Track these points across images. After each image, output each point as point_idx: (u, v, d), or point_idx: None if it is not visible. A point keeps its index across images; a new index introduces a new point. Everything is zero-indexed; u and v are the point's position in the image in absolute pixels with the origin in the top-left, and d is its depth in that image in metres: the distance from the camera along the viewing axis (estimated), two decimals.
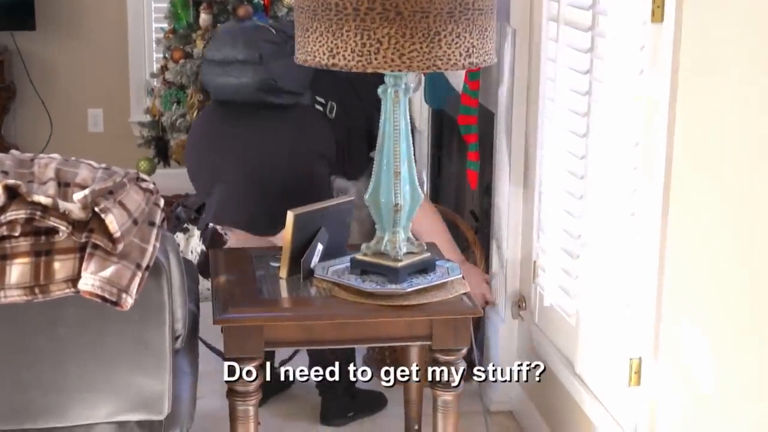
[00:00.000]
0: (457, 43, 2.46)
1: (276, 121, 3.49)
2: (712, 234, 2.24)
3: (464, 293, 2.68)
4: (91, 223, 2.33)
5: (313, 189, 3.42)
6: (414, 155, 2.68)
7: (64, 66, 6.40)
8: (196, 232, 3.75)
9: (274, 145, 3.47)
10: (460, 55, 2.47)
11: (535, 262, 3.31)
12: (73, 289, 2.32)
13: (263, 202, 3.43)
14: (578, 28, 2.88)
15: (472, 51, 2.49)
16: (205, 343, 3.00)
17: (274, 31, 3.51)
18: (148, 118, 5.52)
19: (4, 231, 2.30)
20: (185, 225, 3.84)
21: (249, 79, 3.43)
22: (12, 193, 2.32)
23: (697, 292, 2.33)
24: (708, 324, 2.28)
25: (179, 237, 3.84)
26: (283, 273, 2.75)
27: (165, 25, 5.40)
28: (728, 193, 2.17)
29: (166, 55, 5.30)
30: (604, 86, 2.68)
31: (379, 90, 2.62)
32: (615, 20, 2.59)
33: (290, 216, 2.71)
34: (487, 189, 3.81)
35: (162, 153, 5.42)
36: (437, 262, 2.73)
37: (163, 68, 5.30)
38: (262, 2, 5.13)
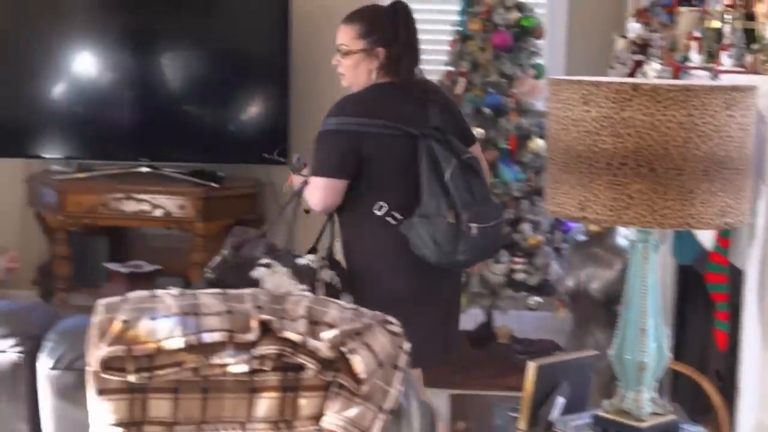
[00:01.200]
0: (711, 202, 2.40)
1: None
2: None
3: None
4: (338, 362, 2.39)
5: None
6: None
7: None
8: (281, 269, 3.65)
9: None
10: (714, 214, 2.41)
11: None
12: (316, 427, 2.37)
13: None
14: None
15: (727, 211, 2.43)
16: None
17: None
18: None
19: (255, 364, 2.38)
20: (266, 261, 3.73)
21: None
22: (265, 327, 2.41)
23: None
24: None
25: (262, 272, 3.71)
26: (522, 424, 2.72)
27: None
28: None
29: None
30: None
31: (628, 245, 2.60)
32: None
33: (532, 367, 2.69)
34: (732, 348, 3.66)
35: None
36: (682, 425, 2.64)
37: None
38: (507, 147, 5.21)
